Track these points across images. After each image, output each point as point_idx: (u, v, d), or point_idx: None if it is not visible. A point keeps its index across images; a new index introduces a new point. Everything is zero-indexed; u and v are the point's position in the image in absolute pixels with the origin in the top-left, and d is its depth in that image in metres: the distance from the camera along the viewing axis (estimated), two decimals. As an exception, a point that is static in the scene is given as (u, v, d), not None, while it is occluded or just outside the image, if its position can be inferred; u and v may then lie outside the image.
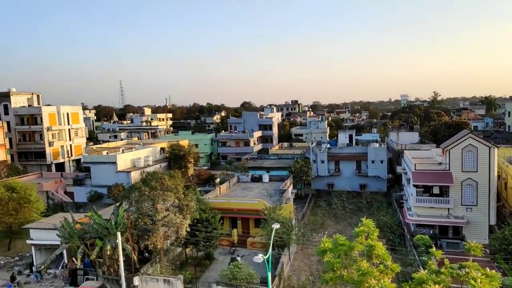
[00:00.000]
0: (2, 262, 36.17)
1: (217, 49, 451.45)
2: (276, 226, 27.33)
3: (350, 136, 72.63)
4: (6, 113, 75.18)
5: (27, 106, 78.95)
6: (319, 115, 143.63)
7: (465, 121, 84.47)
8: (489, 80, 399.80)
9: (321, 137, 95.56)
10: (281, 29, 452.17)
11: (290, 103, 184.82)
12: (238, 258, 34.05)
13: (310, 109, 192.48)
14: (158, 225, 32.14)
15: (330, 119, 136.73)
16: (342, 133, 74.23)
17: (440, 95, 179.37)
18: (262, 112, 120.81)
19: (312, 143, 72.59)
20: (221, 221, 38.91)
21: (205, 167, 77.04)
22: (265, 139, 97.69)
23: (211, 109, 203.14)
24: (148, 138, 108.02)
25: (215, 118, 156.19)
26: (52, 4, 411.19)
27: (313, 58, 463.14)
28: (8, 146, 69.43)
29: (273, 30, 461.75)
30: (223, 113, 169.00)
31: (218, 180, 54.02)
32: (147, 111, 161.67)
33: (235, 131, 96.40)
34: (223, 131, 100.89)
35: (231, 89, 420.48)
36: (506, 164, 43.64)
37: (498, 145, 42.64)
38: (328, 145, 67.40)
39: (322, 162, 62.52)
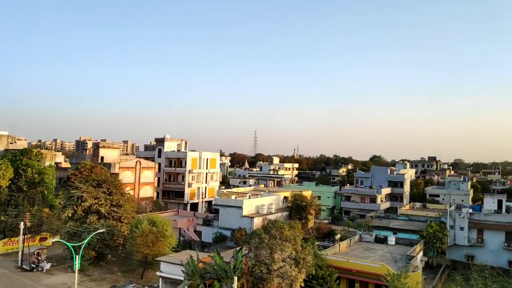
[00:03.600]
0: (135, 289, 40.66)
1: (345, 98, 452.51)
2: (397, 296, 24.64)
3: (500, 202, 62.34)
4: (159, 156, 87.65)
5: (176, 150, 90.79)
6: (461, 174, 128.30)
7: None
8: None
9: (462, 200, 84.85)
10: (423, 74, 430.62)
11: (427, 159, 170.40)
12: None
13: (451, 167, 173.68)
14: (273, 275, 32.14)
15: (474, 180, 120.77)
16: (489, 198, 64.46)
17: None
18: (393, 168, 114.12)
19: (451, 206, 64.94)
20: (338, 281, 36.84)
21: (326, 221, 75.16)
22: (394, 197, 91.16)
23: (338, 161, 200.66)
24: (274, 186, 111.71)
25: (341, 170, 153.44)
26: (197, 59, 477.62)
27: (457, 110, 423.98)
28: (156, 184, 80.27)
29: (412, 77, 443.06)
30: (350, 166, 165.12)
31: (338, 236, 51.99)
32: (276, 160, 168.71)
33: (361, 186, 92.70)
34: (348, 184, 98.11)
35: (360, 141, 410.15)
36: None
37: None
38: (470, 210, 59.22)
39: (461, 229, 54.81)
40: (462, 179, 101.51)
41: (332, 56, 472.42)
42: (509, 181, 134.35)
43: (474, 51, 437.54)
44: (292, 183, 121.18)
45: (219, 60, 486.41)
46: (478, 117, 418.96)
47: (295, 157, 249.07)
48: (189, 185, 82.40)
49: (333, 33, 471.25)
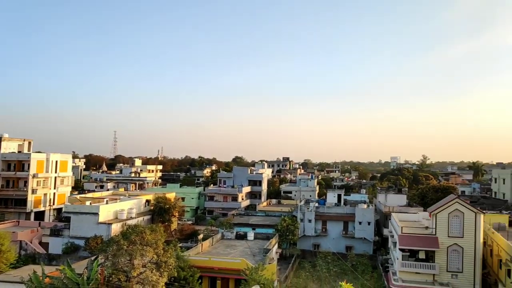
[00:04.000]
0: (-39, 318, 33.63)
1: (211, 102, 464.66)
2: (255, 288, 26.20)
3: (339, 196, 72.32)
4: (-6, 158, 74.23)
5: (17, 152, 78.25)
6: (309, 173, 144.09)
7: (453, 185, 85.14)
8: (477, 146, 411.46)
9: (310, 196, 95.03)
10: (275, 83, 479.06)
11: (282, 159, 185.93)
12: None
13: (301, 167, 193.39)
14: (133, 282, 30.56)
15: (320, 178, 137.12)
16: (331, 193, 74.02)
17: (429, 159, 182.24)
18: (253, 168, 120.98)
19: (301, 201, 71.96)
20: (200, 281, 37.25)
21: (190, 222, 75.27)
22: (254, 195, 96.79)
23: (202, 163, 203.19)
24: (135, 190, 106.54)
25: (205, 171, 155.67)
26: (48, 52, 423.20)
27: (305, 116, 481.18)
28: (-12, 192, 67.74)
29: (268, 84, 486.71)
30: (214, 167, 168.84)
31: (201, 236, 52.59)
32: (138, 162, 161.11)
33: (224, 186, 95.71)
34: (212, 185, 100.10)
35: (225, 143, 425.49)
36: (492, 231, 43.26)
37: (484, 211, 42.64)
38: (316, 204, 66.84)
39: (309, 221, 61.59)
40: (310, 177, 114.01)
41: (192, 58, 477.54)
42: (346, 178, 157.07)
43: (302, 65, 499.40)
44: (155, 185, 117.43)
45: (73, 50, 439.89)
46: (320, 123, 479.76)
47: (159, 159, 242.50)
48: (33, 191, 72.07)
49: (201, 36, 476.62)
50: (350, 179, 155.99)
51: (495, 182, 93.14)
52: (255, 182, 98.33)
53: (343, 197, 72.65)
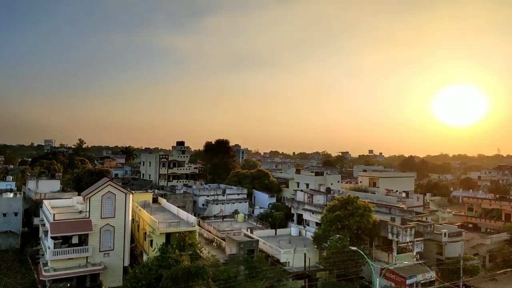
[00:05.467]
0: None
1: None
2: None
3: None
4: None
5: None
6: None
7: (107, 169, 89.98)
8: (129, 134, 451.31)
9: None
10: None
11: None
12: None
13: None
14: None
15: None
16: None
17: (85, 143, 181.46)
18: None
19: None
20: None
21: None
22: None
23: None
24: None
25: None
26: None
27: None
28: None
29: None
30: None
31: None
32: None
33: None
34: None
35: None
36: (139, 208, 49.22)
37: (133, 191, 47.72)
38: None
39: None
40: None
41: None
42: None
43: None
44: None
45: None
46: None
47: None
48: None
49: None
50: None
51: (143, 165, 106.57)
52: None
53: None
